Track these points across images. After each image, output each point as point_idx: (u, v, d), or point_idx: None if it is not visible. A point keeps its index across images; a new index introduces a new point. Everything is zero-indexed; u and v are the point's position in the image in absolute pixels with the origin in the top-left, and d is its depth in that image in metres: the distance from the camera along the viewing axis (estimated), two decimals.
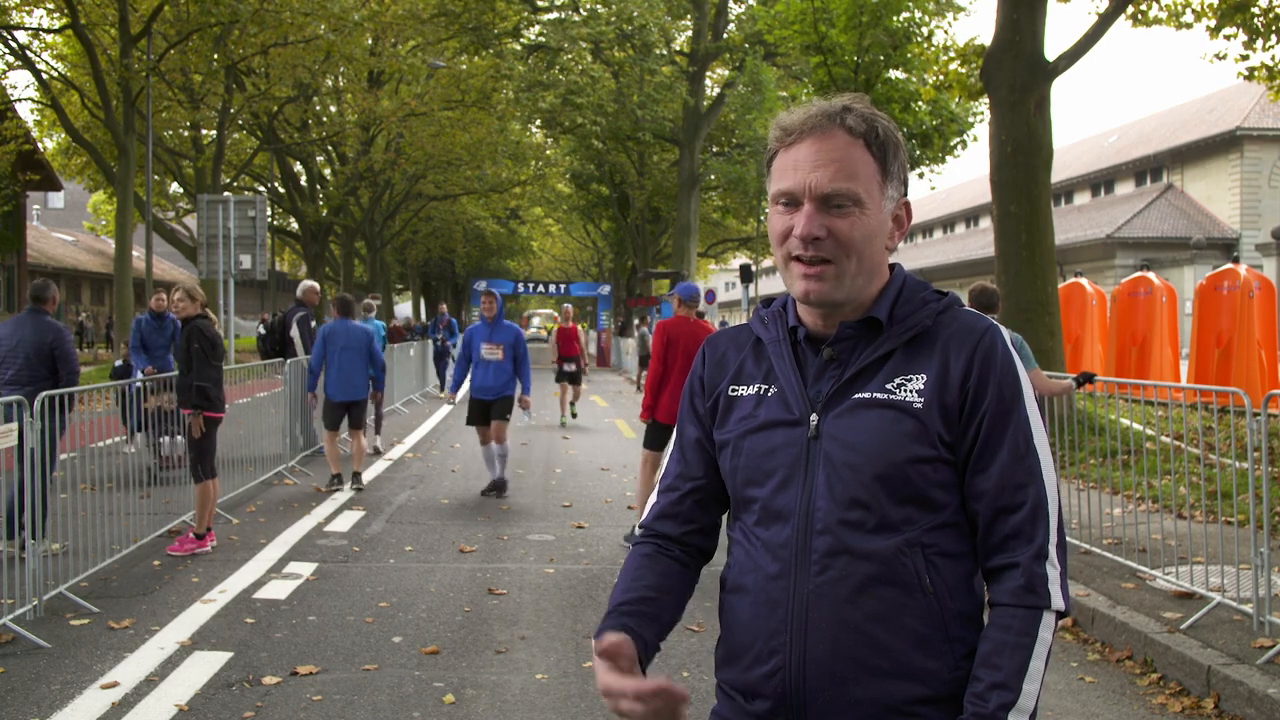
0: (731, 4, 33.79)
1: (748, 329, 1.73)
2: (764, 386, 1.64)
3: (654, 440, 7.77)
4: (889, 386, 1.55)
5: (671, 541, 1.74)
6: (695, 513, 1.74)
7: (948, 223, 56.94)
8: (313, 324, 12.04)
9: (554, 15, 33.84)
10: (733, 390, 1.68)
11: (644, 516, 1.78)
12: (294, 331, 11.71)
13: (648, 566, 1.70)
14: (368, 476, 10.44)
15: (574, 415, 16.50)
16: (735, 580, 1.63)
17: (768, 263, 50.75)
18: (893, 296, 1.60)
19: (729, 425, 1.66)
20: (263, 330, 17.38)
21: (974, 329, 1.57)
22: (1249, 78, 14.29)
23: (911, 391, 1.54)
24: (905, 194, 1.64)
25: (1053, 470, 1.55)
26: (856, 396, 1.55)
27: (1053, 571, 1.50)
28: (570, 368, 16.19)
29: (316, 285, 12.67)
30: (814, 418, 1.57)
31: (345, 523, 8.28)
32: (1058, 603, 1.49)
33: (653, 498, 1.79)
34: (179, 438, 9.43)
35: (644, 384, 8.28)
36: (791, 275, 1.58)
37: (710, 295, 33.72)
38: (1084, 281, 17.38)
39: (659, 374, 7.64)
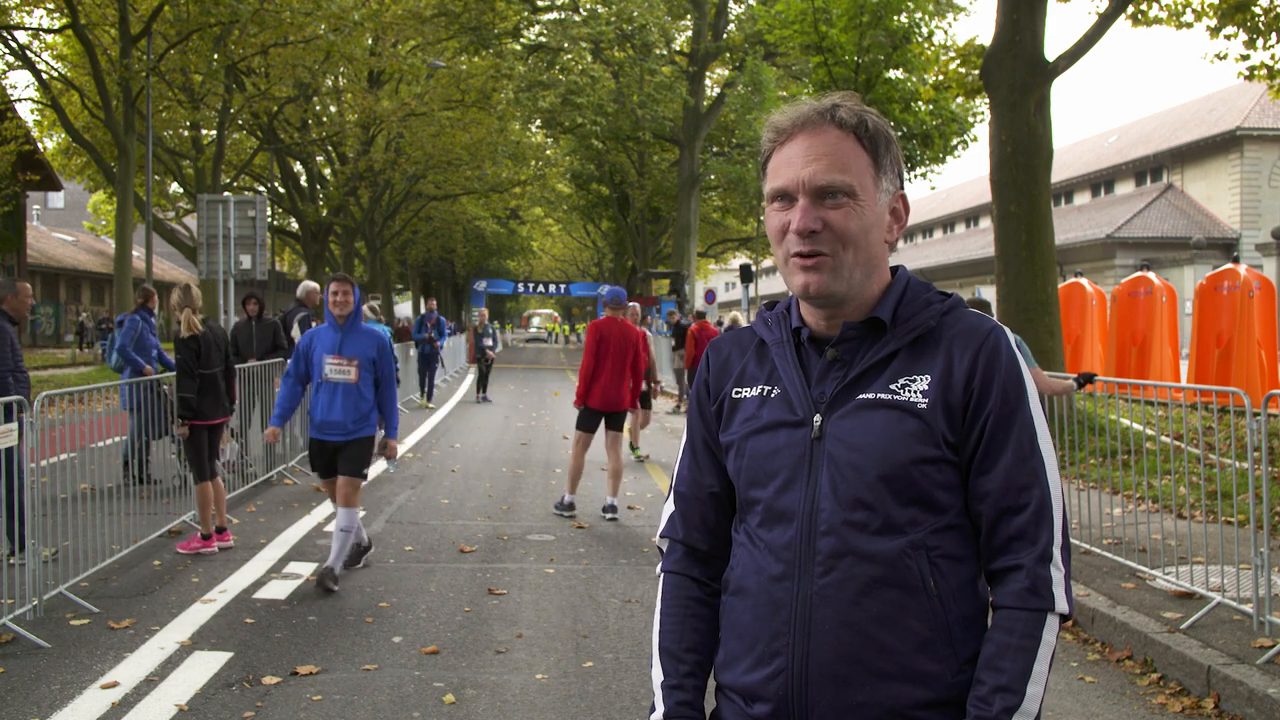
0: (731, 4, 33.83)
1: (751, 331, 1.73)
2: (767, 388, 1.64)
3: (585, 423, 8.69)
4: (893, 387, 1.54)
5: (706, 566, 1.72)
6: (718, 519, 1.72)
7: (948, 223, 56.92)
8: (314, 324, 12.04)
9: (554, 15, 33.88)
10: (736, 393, 1.67)
11: (665, 525, 1.77)
12: (295, 331, 11.71)
13: (698, 615, 1.69)
14: (369, 474, 10.43)
15: (639, 456, 12.42)
16: (738, 582, 1.62)
17: (768, 263, 50.77)
18: (896, 297, 1.60)
19: (733, 427, 1.66)
20: None
21: (979, 330, 1.57)
22: (1249, 77, 14.28)
23: (915, 392, 1.53)
24: (901, 187, 1.64)
25: (1057, 472, 1.55)
26: (860, 397, 1.55)
27: (1056, 574, 1.49)
28: None
29: (317, 286, 12.67)
30: (817, 418, 1.56)
31: None
32: (1061, 605, 1.49)
33: (668, 505, 1.78)
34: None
35: (578, 373, 8.70)
36: (791, 271, 1.58)
37: (710, 295, 33.75)
38: (1084, 281, 17.37)
39: (591, 366, 8.54)
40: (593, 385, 8.57)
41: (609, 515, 8.59)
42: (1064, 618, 1.50)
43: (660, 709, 1.64)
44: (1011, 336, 1.60)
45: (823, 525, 1.52)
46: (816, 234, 1.54)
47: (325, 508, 8.87)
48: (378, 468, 10.42)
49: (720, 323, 21.00)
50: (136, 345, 10.04)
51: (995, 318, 6.93)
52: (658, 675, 1.67)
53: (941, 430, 1.52)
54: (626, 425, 11.56)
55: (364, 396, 6.44)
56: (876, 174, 1.58)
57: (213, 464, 7.37)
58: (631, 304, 11.90)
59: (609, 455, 8.88)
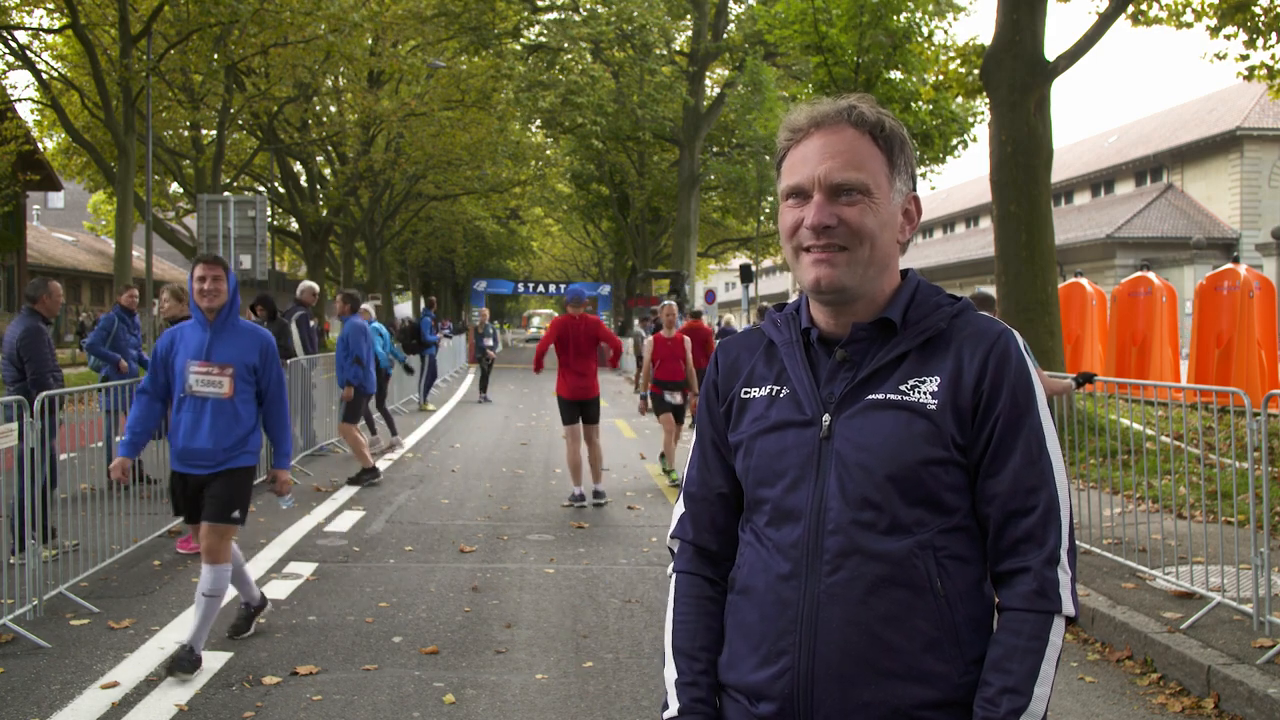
0: (731, 4, 33.81)
1: (759, 332, 1.73)
2: (776, 388, 1.64)
3: (566, 416, 9.29)
4: (903, 388, 1.55)
5: (717, 566, 1.72)
6: (728, 520, 1.73)
7: (948, 223, 56.97)
8: (311, 323, 12.05)
9: (554, 15, 33.87)
10: (745, 393, 1.68)
11: (676, 526, 1.78)
12: (294, 332, 11.71)
13: (711, 614, 1.69)
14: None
15: (672, 479, 10.76)
16: (744, 581, 1.62)
17: (768, 263, 50.86)
18: (906, 299, 1.60)
19: (742, 427, 1.66)
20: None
21: (988, 332, 1.57)
22: (1249, 77, 14.29)
23: (925, 394, 1.54)
24: (913, 189, 1.65)
25: (1065, 475, 1.56)
26: (870, 398, 1.56)
27: (1064, 576, 1.50)
28: (674, 398, 10.65)
29: (315, 286, 12.69)
30: (826, 418, 1.57)
31: (345, 523, 8.28)
32: (1068, 607, 1.50)
33: (679, 506, 1.78)
34: None
35: (534, 359, 9.77)
36: (802, 266, 1.58)
37: (710, 295, 33.77)
38: (1084, 281, 17.38)
39: (542, 351, 9.43)
40: (560, 378, 9.30)
41: (598, 501, 9.01)
42: (1070, 620, 1.51)
43: (675, 705, 1.64)
44: (1020, 340, 1.60)
45: (830, 524, 1.52)
46: (830, 229, 1.54)
47: (325, 507, 8.87)
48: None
49: (720, 323, 20.97)
50: (113, 344, 9.94)
51: (997, 314, 6.96)
52: (671, 674, 1.66)
53: (950, 432, 1.52)
54: (672, 435, 10.86)
55: (241, 416, 4.95)
56: (891, 174, 1.59)
57: None
58: (666, 303, 10.97)
59: (586, 446, 9.30)
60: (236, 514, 4.93)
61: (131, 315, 10.55)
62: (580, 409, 9.32)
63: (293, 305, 12.26)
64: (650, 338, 10.87)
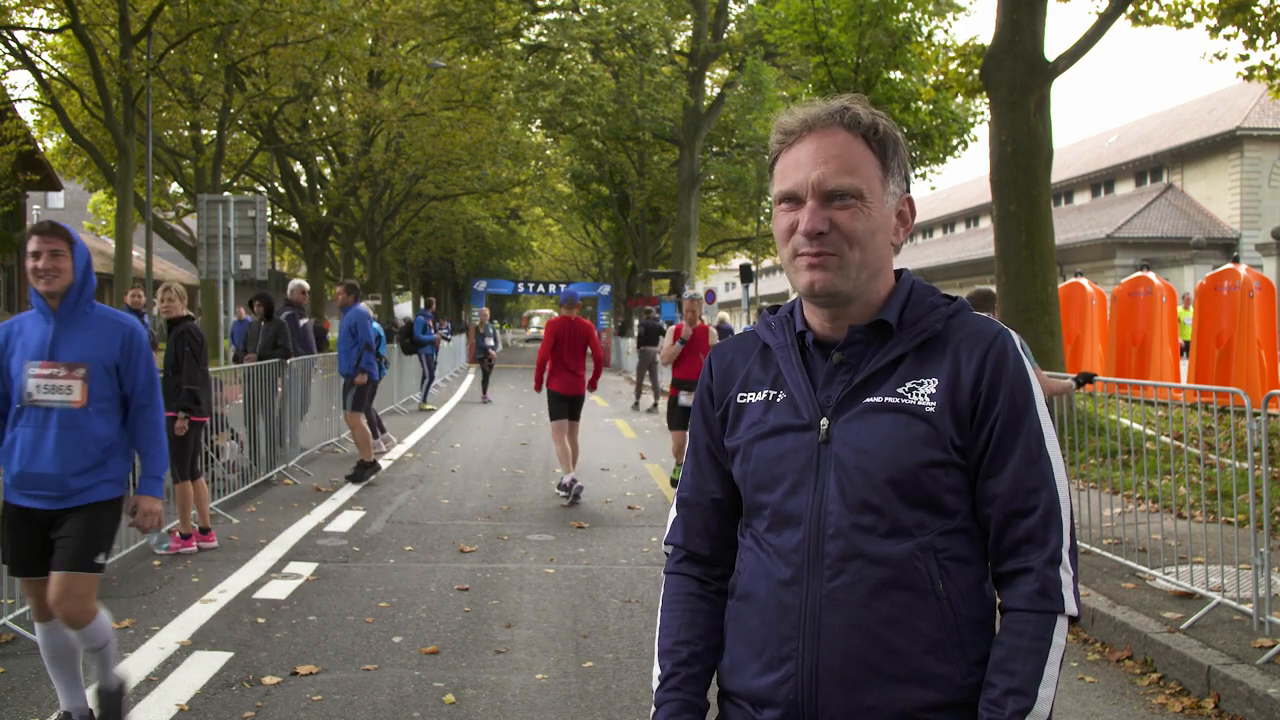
0: (731, 4, 33.79)
1: (754, 335, 1.72)
2: (772, 392, 1.63)
3: (555, 412, 9.77)
4: (900, 391, 1.54)
5: (708, 568, 1.72)
6: (720, 525, 1.72)
7: (948, 223, 56.93)
8: (302, 322, 12.06)
9: (554, 15, 33.87)
10: (741, 397, 1.67)
11: (669, 531, 1.78)
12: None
13: (695, 609, 1.69)
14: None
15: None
16: (745, 587, 1.62)
17: (768, 263, 50.83)
18: (902, 300, 1.60)
19: (739, 432, 1.65)
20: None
21: (985, 333, 1.57)
22: (1249, 78, 14.29)
23: (923, 395, 1.53)
24: (907, 190, 1.64)
25: (1065, 474, 1.55)
26: (867, 401, 1.55)
27: (1065, 576, 1.50)
28: (689, 399, 9.49)
29: (305, 284, 12.73)
30: (824, 422, 1.56)
31: (345, 523, 8.28)
32: (1071, 607, 1.49)
33: (672, 512, 1.78)
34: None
35: (535, 363, 10.04)
36: (796, 270, 1.58)
37: (710, 295, 33.73)
38: (1084, 281, 17.37)
39: (545, 358, 9.84)
40: (553, 374, 9.76)
41: (562, 494, 9.40)
42: (1073, 620, 1.51)
43: (653, 704, 1.66)
44: (1017, 339, 1.60)
45: (830, 529, 1.52)
46: (824, 235, 1.54)
47: (325, 507, 8.87)
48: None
49: (716, 323, 20.94)
50: None
51: (998, 312, 6.94)
52: (655, 672, 1.68)
53: (949, 434, 1.52)
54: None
55: (97, 431, 3.78)
56: (885, 177, 1.58)
57: (195, 463, 7.34)
58: (692, 293, 10.33)
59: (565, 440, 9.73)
60: (100, 558, 3.78)
61: (140, 316, 10.60)
62: (568, 405, 9.75)
63: (283, 305, 12.26)
64: (671, 329, 10.16)
